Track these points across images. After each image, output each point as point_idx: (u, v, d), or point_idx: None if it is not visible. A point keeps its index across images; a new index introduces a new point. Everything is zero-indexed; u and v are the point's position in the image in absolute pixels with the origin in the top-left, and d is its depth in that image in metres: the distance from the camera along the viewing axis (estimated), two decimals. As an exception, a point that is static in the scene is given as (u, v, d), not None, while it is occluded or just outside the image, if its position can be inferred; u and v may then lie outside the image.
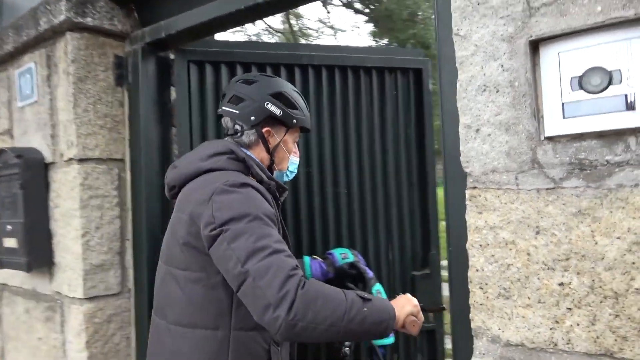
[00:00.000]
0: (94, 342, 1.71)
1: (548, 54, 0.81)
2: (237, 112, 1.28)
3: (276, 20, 12.46)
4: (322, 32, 13.21)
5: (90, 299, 1.71)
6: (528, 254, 0.84)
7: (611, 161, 0.76)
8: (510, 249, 0.86)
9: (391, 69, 2.18)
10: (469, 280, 0.92)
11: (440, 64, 1.01)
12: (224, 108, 1.31)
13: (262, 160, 1.29)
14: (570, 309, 0.80)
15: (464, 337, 0.98)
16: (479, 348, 0.90)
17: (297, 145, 1.42)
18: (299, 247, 1.91)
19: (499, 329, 0.88)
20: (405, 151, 2.20)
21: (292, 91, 1.35)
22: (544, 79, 0.81)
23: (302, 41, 11.62)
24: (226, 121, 1.31)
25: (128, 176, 1.85)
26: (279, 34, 12.42)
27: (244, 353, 1.12)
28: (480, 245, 0.90)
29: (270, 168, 1.33)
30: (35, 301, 1.95)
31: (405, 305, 1.14)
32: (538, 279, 0.83)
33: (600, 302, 0.77)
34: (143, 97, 1.81)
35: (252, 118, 1.26)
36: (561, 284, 0.81)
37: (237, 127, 1.28)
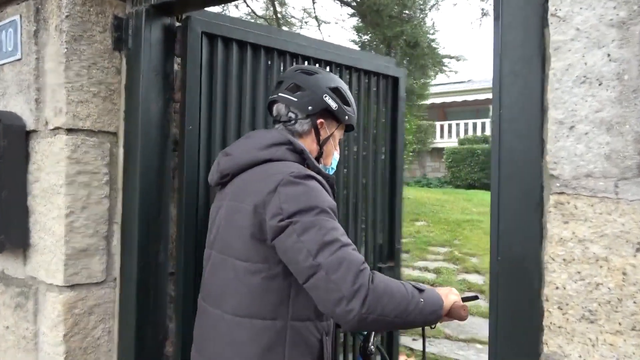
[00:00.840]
0: (73, 335, 1.52)
1: (674, 45, 0.69)
2: (296, 99, 1.30)
3: (258, 6, 12.18)
4: (306, 22, 13.02)
5: (72, 287, 1.52)
6: (624, 274, 0.73)
7: None
8: (602, 266, 0.75)
9: (376, 74, 2.35)
10: (544, 298, 0.81)
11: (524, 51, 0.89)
12: (280, 94, 1.33)
13: (311, 152, 1.32)
14: (673, 339, 0.70)
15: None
16: None
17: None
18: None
19: (579, 357, 0.77)
20: (379, 151, 2.41)
21: (347, 89, 1.39)
22: (665, 73, 0.70)
23: (285, 29, 11.40)
24: (279, 108, 1.33)
25: (121, 152, 1.66)
26: (261, 19, 12.14)
27: (300, 342, 1.15)
28: (564, 260, 0.79)
29: (317, 161, 1.35)
30: (4, 285, 1.74)
31: (449, 294, 1.22)
32: (634, 302, 0.73)
33: None
34: (145, 66, 1.62)
35: (310, 107, 1.30)
36: (664, 311, 0.71)
37: (292, 114, 1.31)
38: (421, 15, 10.10)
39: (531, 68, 1.02)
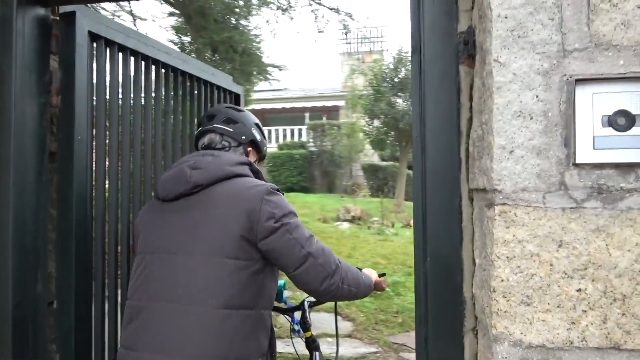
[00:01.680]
0: None
1: (584, 92, 0.94)
2: (231, 130, 1.56)
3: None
4: (119, 17, 11.98)
5: None
6: (551, 265, 0.96)
7: (624, 187, 0.93)
8: (534, 260, 0.96)
9: (223, 89, 2.47)
10: (491, 289, 0.99)
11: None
12: (216, 125, 1.55)
13: None
14: (585, 311, 0.94)
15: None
16: (500, 352, 0.98)
17: None
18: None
19: (521, 333, 0.97)
20: None
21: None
22: (578, 113, 0.94)
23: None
24: (212, 137, 1.55)
25: (-16, 166, 1.37)
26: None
27: (264, 328, 1.36)
28: (507, 257, 0.98)
29: None
30: None
31: (371, 273, 1.69)
32: (558, 286, 0.95)
33: (611, 303, 0.93)
34: (17, 64, 1.37)
35: (243, 137, 1.57)
36: (579, 290, 0.95)
37: (225, 143, 1.55)
38: (247, 23, 10.27)
39: (451, 98, 1.22)
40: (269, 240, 1.31)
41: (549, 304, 0.96)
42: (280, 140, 18.50)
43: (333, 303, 1.86)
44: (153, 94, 1.86)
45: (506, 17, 0.97)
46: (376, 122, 14.85)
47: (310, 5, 8.14)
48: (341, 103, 24.54)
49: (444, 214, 1.22)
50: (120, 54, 1.68)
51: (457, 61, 1.22)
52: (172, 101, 1.97)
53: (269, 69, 11.23)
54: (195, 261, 1.30)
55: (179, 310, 1.27)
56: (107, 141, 1.63)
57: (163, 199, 1.40)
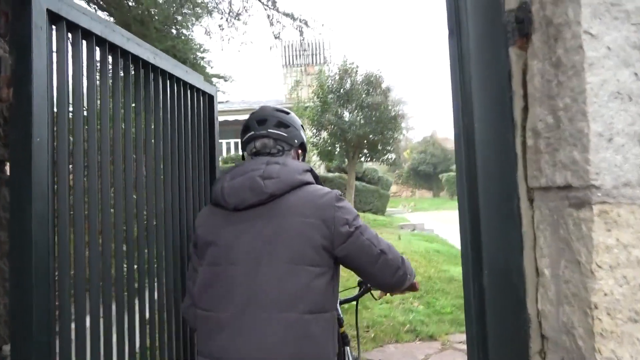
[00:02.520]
0: None
1: (693, 68, 0.80)
2: (286, 135, 1.61)
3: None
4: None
5: None
6: (662, 273, 0.80)
7: None
8: (643, 269, 0.81)
9: (197, 88, 2.23)
10: (592, 306, 0.82)
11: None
12: (270, 131, 1.60)
13: None
14: None
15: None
16: (607, 382, 0.81)
17: None
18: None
19: (631, 357, 0.81)
20: (200, 162, 2.27)
21: None
22: (688, 92, 0.80)
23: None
24: (265, 142, 1.60)
25: None
26: None
27: (335, 329, 1.48)
28: (610, 267, 0.82)
29: None
30: None
31: None
32: (672, 298, 0.80)
33: None
34: (-45, 45, 1.07)
35: (295, 141, 1.64)
36: (696, 301, 0.80)
37: (279, 147, 1.60)
38: (189, 33, 9.88)
39: (501, 85, 1.06)
40: (346, 244, 1.42)
41: (661, 319, 0.80)
42: (224, 154, 18.01)
43: (354, 303, 2.17)
44: (121, 91, 1.57)
45: (596, -18, 0.83)
46: (324, 134, 14.81)
47: (266, 9, 7.92)
48: (285, 115, 24.38)
49: (501, 219, 1.05)
50: (85, 42, 1.39)
51: (505, 43, 1.07)
52: (143, 100, 1.69)
53: (214, 79, 10.85)
54: (280, 270, 1.37)
55: (269, 318, 1.35)
56: (71, 147, 1.34)
57: (234, 209, 1.45)
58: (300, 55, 24.39)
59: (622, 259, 0.81)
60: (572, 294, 0.89)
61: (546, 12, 0.95)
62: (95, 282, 1.44)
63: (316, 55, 23.66)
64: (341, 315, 2.09)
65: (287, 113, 1.68)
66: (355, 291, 2.15)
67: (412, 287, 1.72)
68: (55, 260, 1.30)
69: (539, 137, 0.99)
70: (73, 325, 1.35)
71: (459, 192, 1.14)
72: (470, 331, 1.14)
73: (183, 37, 9.72)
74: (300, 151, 1.69)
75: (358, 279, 2.03)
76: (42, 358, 1.22)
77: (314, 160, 16.91)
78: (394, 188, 36.28)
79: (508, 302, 1.03)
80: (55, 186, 1.30)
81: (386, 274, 1.51)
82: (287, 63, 25.12)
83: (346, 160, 15.04)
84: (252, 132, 1.61)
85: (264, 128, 1.60)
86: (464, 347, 4.35)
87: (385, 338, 4.14)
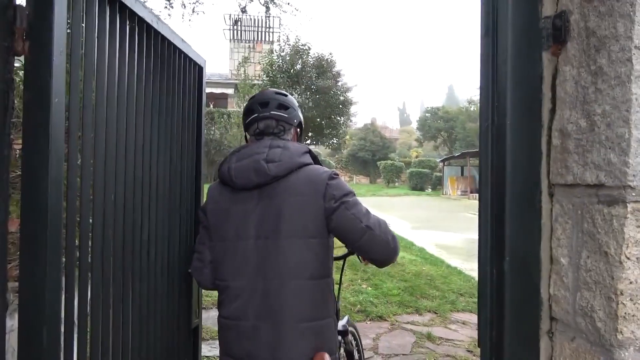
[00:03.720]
0: None
1: None
2: (287, 116, 1.72)
3: None
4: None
5: None
6: (679, 265, 0.92)
7: None
8: (663, 261, 0.92)
9: (190, 58, 2.13)
10: (618, 292, 0.93)
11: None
12: (273, 112, 1.70)
13: None
14: None
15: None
16: (626, 359, 0.92)
17: None
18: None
19: (648, 338, 0.92)
20: (191, 128, 2.19)
21: None
22: None
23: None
24: (268, 123, 1.69)
25: None
26: None
27: (332, 291, 1.66)
28: (638, 258, 0.92)
29: None
30: None
31: None
32: (684, 287, 0.92)
33: None
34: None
35: (296, 121, 1.75)
36: (703, 291, 0.92)
37: (281, 127, 1.71)
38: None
39: (533, 87, 1.14)
40: (333, 217, 1.53)
41: (674, 306, 0.92)
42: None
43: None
44: (127, 56, 1.50)
45: (648, 1, 0.91)
46: (271, 113, 14.65)
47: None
48: (230, 91, 23.76)
49: (524, 211, 1.13)
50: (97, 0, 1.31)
51: (540, 47, 1.14)
52: (145, 67, 1.62)
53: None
54: (285, 243, 1.52)
55: (279, 285, 1.52)
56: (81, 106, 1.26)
57: (242, 188, 1.58)
58: (248, 32, 23.83)
59: (647, 252, 0.92)
60: (595, 281, 0.99)
61: (588, 23, 1.03)
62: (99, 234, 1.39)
63: (266, 32, 23.22)
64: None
65: (286, 95, 1.78)
66: (344, 251, 2.22)
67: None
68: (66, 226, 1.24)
69: (567, 138, 1.08)
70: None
71: (481, 185, 1.22)
72: (484, 312, 1.23)
73: None
74: (298, 130, 1.81)
75: None
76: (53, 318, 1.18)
77: (259, 139, 16.67)
78: (333, 172, 36.49)
79: (525, 286, 1.13)
80: (66, 148, 1.23)
81: (373, 250, 1.58)
82: (234, 37, 24.44)
83: (292, 141, 15.03)
84: (256, 114, 1.70)
85: (266, 110, 1.70)
86: (412, 327, 4.60)
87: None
